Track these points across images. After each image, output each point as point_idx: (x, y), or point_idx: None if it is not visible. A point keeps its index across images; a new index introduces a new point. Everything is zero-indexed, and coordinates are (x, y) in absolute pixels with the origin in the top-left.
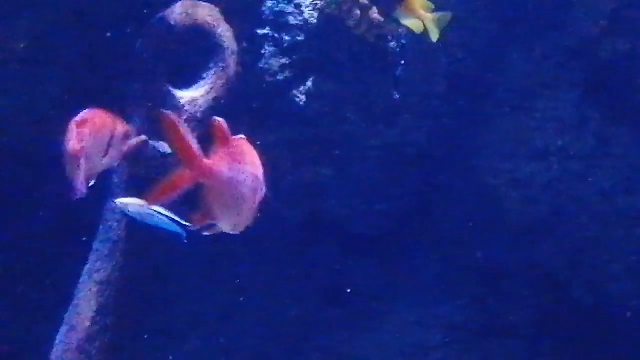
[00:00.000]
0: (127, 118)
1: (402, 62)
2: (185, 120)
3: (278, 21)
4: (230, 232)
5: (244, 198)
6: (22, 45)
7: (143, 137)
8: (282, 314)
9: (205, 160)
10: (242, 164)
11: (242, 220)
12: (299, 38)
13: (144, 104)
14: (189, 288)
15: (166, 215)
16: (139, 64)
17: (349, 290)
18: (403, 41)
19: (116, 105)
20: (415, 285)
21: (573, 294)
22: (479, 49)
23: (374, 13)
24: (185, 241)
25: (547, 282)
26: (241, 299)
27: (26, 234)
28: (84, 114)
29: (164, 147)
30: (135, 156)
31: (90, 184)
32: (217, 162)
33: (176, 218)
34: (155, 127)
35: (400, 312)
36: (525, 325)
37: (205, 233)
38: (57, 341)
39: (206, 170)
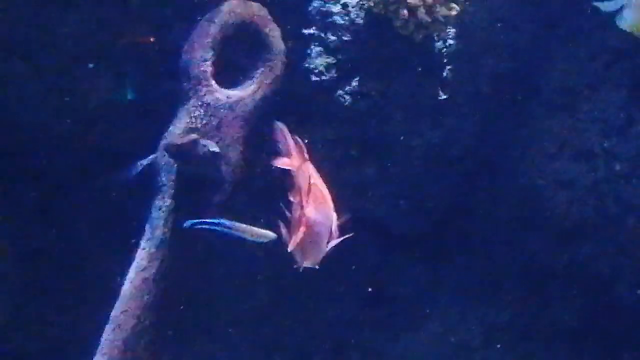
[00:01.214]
0: (176, 118)
1: (449, 62)
2: (233, 120)
3: (325, 21)
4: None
5: (325, 237)
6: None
7: (194, 135)
8: (323, 314)
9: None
10: (326, 206)
11: (319, 257)
12: (345, 38)
13: (192, 103)
14: (231, 288)
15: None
16: (187, 63)
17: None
18: (450, 42)
19: (165, 105)
20: (457, 286)
21: (617, 295)
22: (524, 49)
23: (422, 13)
24: None
25: (591, 284)
26: (283, 298)
27: (73, 232)
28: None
29: (213, 146)
30: (185, 155)
31: None
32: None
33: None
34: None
35: (441, 313)
36: (569, 326)
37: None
38: (103, 339)
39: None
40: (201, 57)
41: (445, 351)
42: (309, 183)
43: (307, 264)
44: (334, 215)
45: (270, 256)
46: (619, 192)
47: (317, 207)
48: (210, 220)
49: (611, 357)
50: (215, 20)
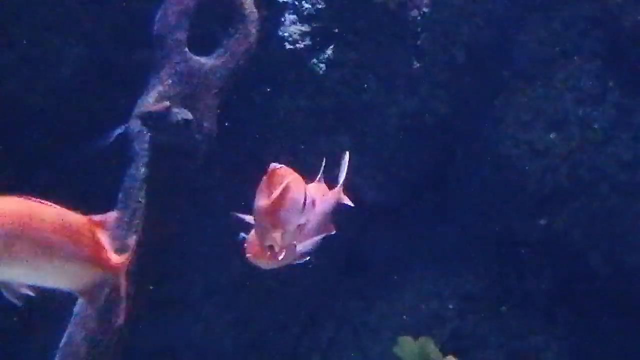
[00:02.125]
0: (149, 86)
1: (423, 31)
2: (207, 88)
3: None
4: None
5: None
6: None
7: (166, 103)
8: (298, 283)
9: None
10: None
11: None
12: (319, 6)
13: (166, 71)
14: (204, 258)
15: None
16: (161, 32)
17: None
18: (425, 10)
19: (139, 74)
20: (432, 256)
21: (590, 264)
22: (499, 18)
23: None
24: None
25: (564, 253)
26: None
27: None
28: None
29: (186, 113)
30: (158, 122)
31: None
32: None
33: None
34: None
35: (416, 282)
36: (542, 295)
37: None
38: (76, 308)
39: None
40: (175, 25)
41: (420, 320)
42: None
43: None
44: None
45: (245, 225)
46: (593, 160)
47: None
48: None
49: (585, 325)
50: None
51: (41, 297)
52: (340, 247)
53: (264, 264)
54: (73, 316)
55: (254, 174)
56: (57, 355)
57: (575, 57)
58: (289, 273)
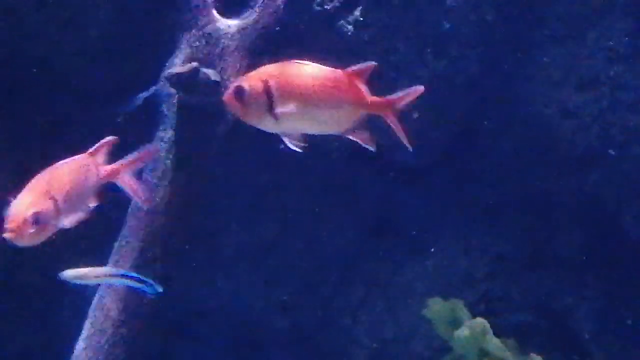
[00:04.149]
0: (177, 49)
1: None
2: (234, 50)
3: None
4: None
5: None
6: None
7: (194, 64)
8: (328, 245)
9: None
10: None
11: None
12: None
13: (193, 34)
14: (235, 219)
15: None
16: None
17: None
18: None
19: (167, 36)
20: (461, 217)
21: (622, 225)
22: None
23: None
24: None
25: (595, 214)
26: (287, 230)
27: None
28: None
29: (215, 75)
30: (186, 84)
31: None
32: None
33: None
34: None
35: (446, 243)
36: (572, 256)
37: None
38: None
39: None
40: None
41: (450, 282)
42: None
43: None
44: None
45: (275, 187)
46: (624, 120)
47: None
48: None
49: (615, 287)
50: None
51: (71, 262)
52: (369, 209)
53: None
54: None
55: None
56: (89, 317)
57: (607, 16)
58: (319, 235)
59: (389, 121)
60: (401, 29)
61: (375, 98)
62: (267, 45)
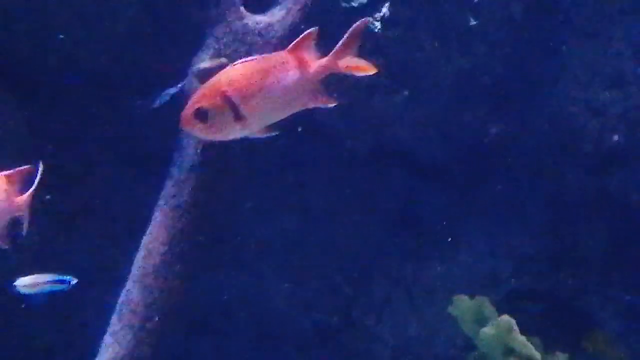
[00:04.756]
0: (205, 44)
1: None
2: (262, 46)
3: None
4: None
5: None
6: None
7: (223, 59)
8: (351, 243)
9: None
10: None
11: None
12: None
13: (221, 30)
14: (259, 216)
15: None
16: None
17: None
18: None
19: (195, 33)
20: (486, 215)
21: None
22: None
23: None
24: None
25: (621, 213)
26: (311, 227)
27: (100, 160)
28: None
29: None
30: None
31: None
32: None
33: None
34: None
35: (471, 242)
36: (598, 256)
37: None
38: (134, 266)
39: None
40: None
41: (474, 280)
42: None
43: None
44: None
45: (299, 184)
46: None
47: None
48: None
49: (639, 286)
50: None
51: (98, 258)
52: (392, 206)
53: None
54: (131, 273)
55: (307, 133)
56: (115, 312)
57: (633, 15)
58: (342, 232)
59: (345, 72)
60: (427, 26)
61: (321, 61)
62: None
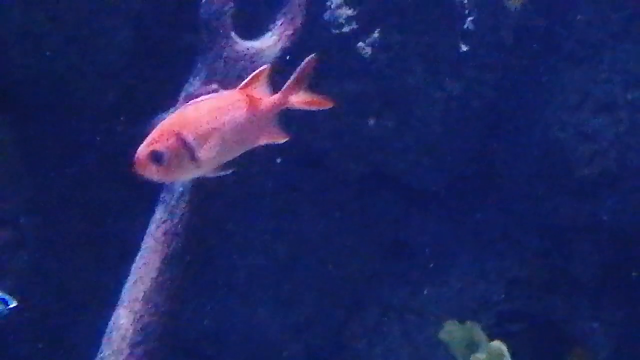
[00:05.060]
0: (196, 70)
1: (470, 13)
2: (252, 71)
3: None
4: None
5: None
6: None
7: (214, 86)
8: (342, 268)
9: None
10: None
11: None
12: None
13: (212, 55)
14: (251, 241)
15: None
16: (208, 15)
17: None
18: None
19: (186, 58)
20: (477, 240)
21: (638, 250)
22: (546, 1)
23: None
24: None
25: (611, 238)
26: (302, 253)
27: (92, 186)
28: None
29: None
30: None
31: None
32: None
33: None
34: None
35: (462, 266)
36: (589, 281)
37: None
38: (124, 291)
39: None
40: (221, 8)
41: (466, 305)
42: None
43: None
44: None
45: (290, 210)
46: None
47: None
48: None
49: (632, 311)
50: None
51: (88, 282)
52: (383, 231)
53: None
54: (121, 298)
55: (299, 157)
56: (105, 337)
57: (624, 40)
58: (334, 258)
59: (299, 107)
60: (418, 51)
61: (272, 99)
62: (285, 68)
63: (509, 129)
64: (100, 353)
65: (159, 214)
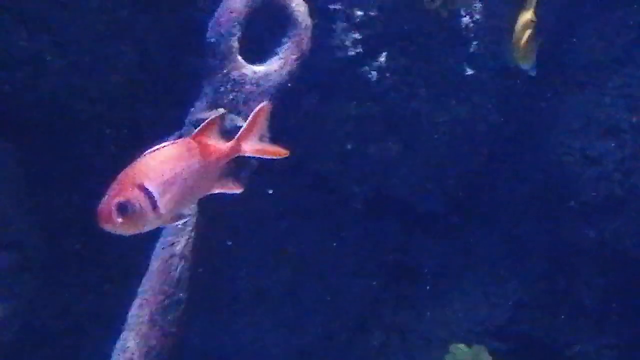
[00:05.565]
0: (202, 93)
1: (475, 38)
2: (259, 95)
3: None
4: None
5: None
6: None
7: (220, 110)
8: (346, 291)
9: None
10: None
11: None
12: (371, 13)
13: (218, 79)
14: (255, 263)
15: None
16: (213, 39)
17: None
18: (477, 17)
19: (191, 82)
20: (481, 263)
21: None
22: (550, 25)
23: None
24: None
25: (616, 261)
26: (306, 275)
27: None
28: None
29: (240, 120)
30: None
31: None
32: None
33: None
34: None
35: (466, 290)
36: (594, 304)
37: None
38: (130, 314)
39: None
40: (227, 32)
41: (470, 328)
42: None
43: None
44: None
45: (295, 232)
46: None
47: None
48: None
49: (635, 335)
50: None
51: (92, 305)
52: (388, 255)
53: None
54: (127, 321)
55: (303, 181)
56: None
57: (627, 64)
58: (338, 280)
59: (252, 155)
60: (423, 75)
61: (224, 147)
62: (291, 91)
63: (513, 152)
64: None
65: (165, 237)
